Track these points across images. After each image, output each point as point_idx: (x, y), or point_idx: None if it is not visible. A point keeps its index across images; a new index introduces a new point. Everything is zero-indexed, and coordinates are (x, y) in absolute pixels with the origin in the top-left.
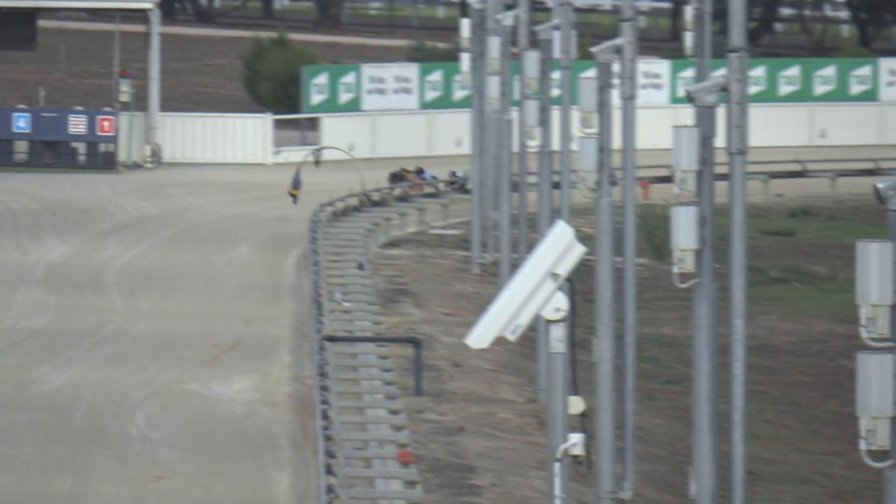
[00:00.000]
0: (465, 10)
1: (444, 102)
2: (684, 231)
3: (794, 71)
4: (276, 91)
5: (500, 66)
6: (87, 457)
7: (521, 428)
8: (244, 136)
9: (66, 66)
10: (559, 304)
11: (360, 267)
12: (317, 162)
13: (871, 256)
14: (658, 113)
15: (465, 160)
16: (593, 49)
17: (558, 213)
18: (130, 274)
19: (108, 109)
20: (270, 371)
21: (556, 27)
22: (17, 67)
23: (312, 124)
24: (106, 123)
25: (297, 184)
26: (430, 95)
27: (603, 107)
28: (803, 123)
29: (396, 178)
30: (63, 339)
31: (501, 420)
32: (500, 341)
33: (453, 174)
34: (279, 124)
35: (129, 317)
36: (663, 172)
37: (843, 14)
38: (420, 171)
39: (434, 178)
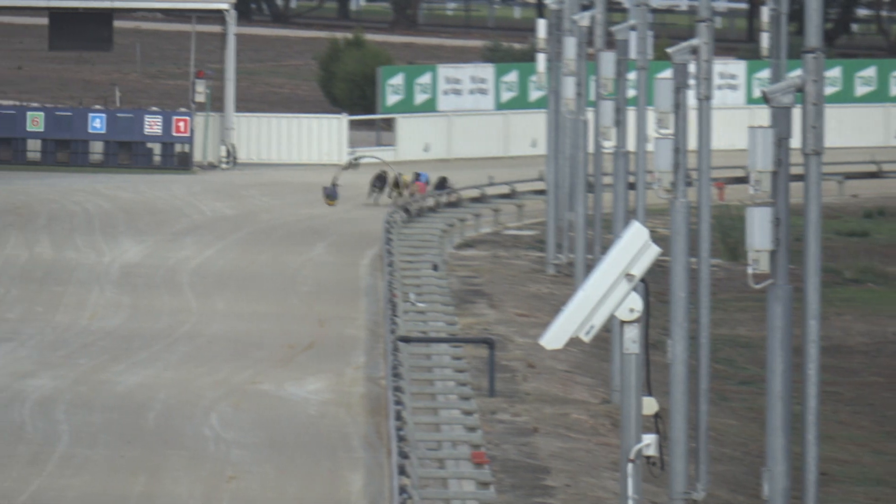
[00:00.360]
0: (541, 10)
1: (519, 103)
2: (759, 232)
3: (870, 72)
4: (351, 92)
5: (575, 67)
6: (161, 457)
7: (594, 429)
8: (319, 137)
9: (142, 66)
10: (634, 304)
11: (435, 268)
12: (355, 165)
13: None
14: (734, 114)
15: (541, 161)
16: (669, 50)
17: (633, 214)
18: (205, 274)
19: (183, 110)
20: (345, 372)
21: (633, 28)
22: (94, 68)
23: (388, 125)
24: (181, 124)
25: (332, 194)
26: (506, 96)
27: (678, 107)
28: (879, 124)
29: (380, 179)
30: (137, 340)
31: (575, 421)
32: (574, 342)
33: (417, 175)
34: (354, 125)
35: (203, 317)
36: (739, 173)
37: None
38: (418, 176)
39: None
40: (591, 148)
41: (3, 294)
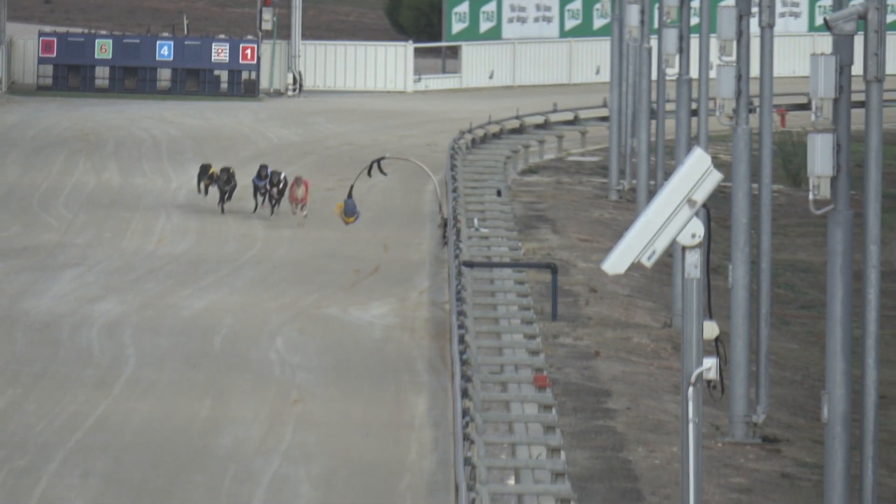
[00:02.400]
0: None
1: (583, 31)
2: (820, 158)
3: None
4: (417, 20)
5: None
6: (227, 380)
7: (655, 352)
8: (385, 65)
9: None
10: (695, 230)
11: (499, 193)
12: (382, 171)
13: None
14: (796, 41)
15: (604, 88)
16: None
17: (695, 141)
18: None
19: (250, 38)
20: (409, 296)
21: None
22: None
23: (453, 52)
24: (248, 52)
25: (350, 210)
26: (570, 24)
27: (741, 35)
28: None
29: (204, 170)
30: (203, 265)
31: (636, 345)
32: (635, 267)
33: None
34: (420, 53)
35: (269, 243)
36: (800, 100)
37: None
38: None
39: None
40: (654, 75)
41: (72, 219)
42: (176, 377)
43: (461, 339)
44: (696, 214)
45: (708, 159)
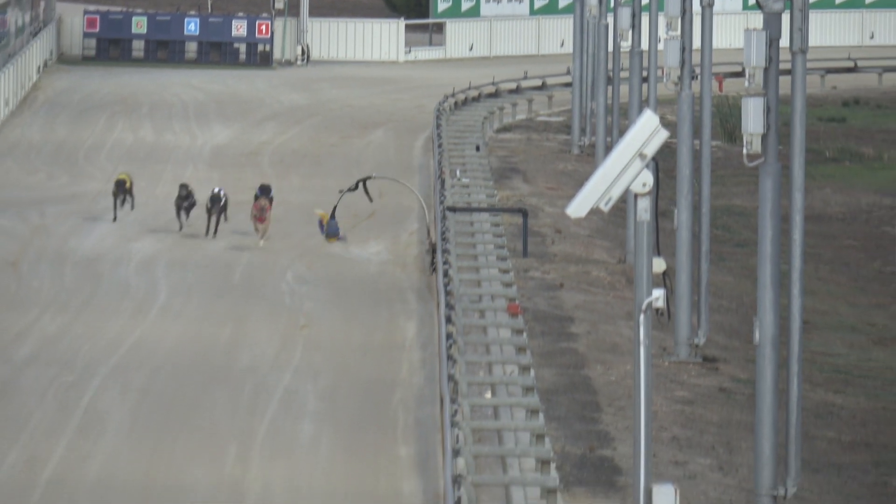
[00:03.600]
0: None
1: (550, 9)
2: (753, 118)
3: None
4: (408, 0)
5: None
6: (245, 308)
7: (611, 284)
8: (380, 38)
9: None
10: (646, 180)
11: (478, 149)
12: (368, 195)
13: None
14: (732, 18)
15: (568, 58)
16: None
17: (646, 104)
18: (283, 154)
19: (265, 15)
20: (400, 236)
21: None
22: None
23: (439, 28)
24: (263, 27)
25: (333, 231)
26: (539, 3)
27: (685, 13)
28: (856, 26)
29: (119, 186)
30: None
31: (595, 278)
32: (594, 211)
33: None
34: (410, 28)
35: (281, 191)
36: (736, 69)
37: None
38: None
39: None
40: (610, 48)
41: (112, 170)
42: (201, 306)
43: (445, 273)
44: (647, 166)
45: (656, 119)
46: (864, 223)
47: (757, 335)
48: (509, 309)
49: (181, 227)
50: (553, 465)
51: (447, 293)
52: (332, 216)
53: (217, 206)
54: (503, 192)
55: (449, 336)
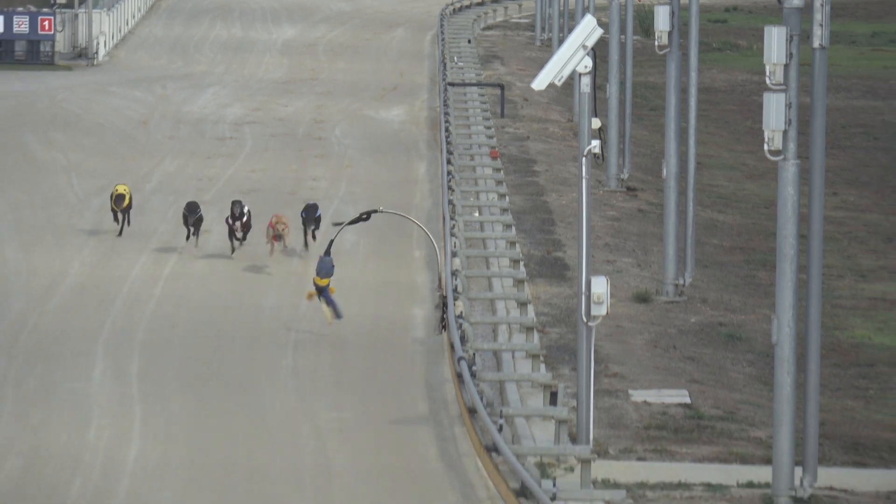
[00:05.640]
0: None
1: None
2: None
3: None
4: None
5: None
6: (306, 154)
7: (563, 137)
8: None
9: None
10: (587, 63)
11: (469, 42)
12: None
13: (772, 35)
14: None
15: None
16: None
17: (587, 10)
18: (332, 46)
19: None
20: (415, 103)
21: None
22: None
23: None
24: None
25: (327, 269)
26: None
27: None
28: None
29: (118, 201)
30: (292, 84)
31: (552, 132)
32: (552, 85)
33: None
34: None
35: (332, 71)
36: None
37: None
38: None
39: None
40: None
41: (213, 57)
42: (276, 151)
43: (447, 129)
44: (587, 54)
45: (594, 21)
46: (739, 94)
47: (664, 171)
48: (491, 154)
49: (196, 245)
50: (522, 264)
51: (447, 143)
52: (328, 252)
53: (241, 221)
54: (487, 72)
55: (449, 173)
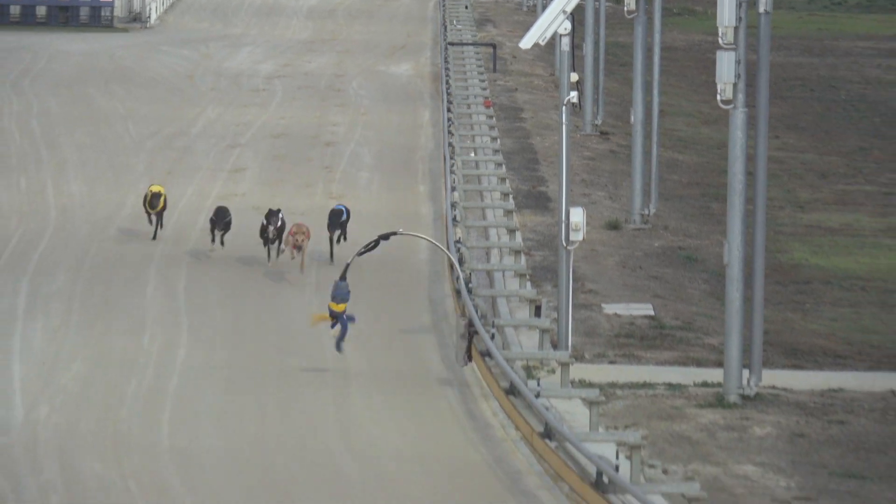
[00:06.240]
0: None
1: None
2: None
3: None
4: None
5: None
6: (327, 104)
7: (546, 88)
8: None
9: None
10: (567, 27)
11: (466, 7)
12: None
13: (724, 2)
14: None
15: None
16: None
17: None
18: (350, 11)
19: None
20: (420, 60)
21: None
22: None
23: None
24: None
25: (342, 295)
26: None
27: None
28: None
29: (155, 198)
30: (315, 45)
31: (536, 84)
32: (536, 45)
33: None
34: None
35: (349, 33)
36: None
37: None
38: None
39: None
40: None
41: (248, 21)
42: (302, 101)
43: (447, 82)
44: (567, 18)
45: None
46: (696, 52)
47: (632, 118)
48: (485, 104)
49: (222, 245)
50: (511, 197)
51: (447, 94)
52: (343, 277)
53: (276, 226)
54: (481, 34)
55: (448, 119)
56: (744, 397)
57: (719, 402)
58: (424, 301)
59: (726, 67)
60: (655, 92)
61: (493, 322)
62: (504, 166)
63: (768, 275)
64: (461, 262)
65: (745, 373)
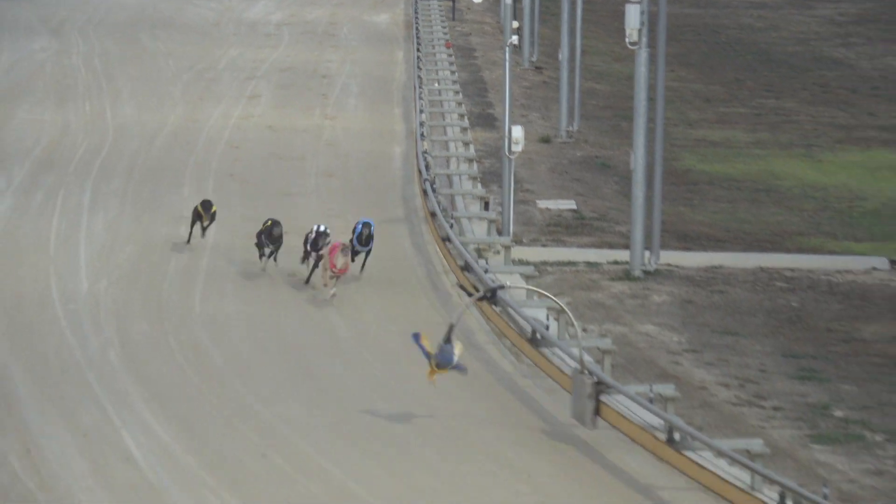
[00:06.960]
0: None
1: None
2: (633, 17)
3: None
4: None
5: None
6: (323, 46)
7: (493, 34)
8: None
9: None
10: None
11: None
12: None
13: None
14: None
15: None
16: None
17: None
18: None
19: None
20: (396, 10)
21: None
22: None
23: None
24: None
25: (446, 359)
26: None
27: None
28: None
29: (206, 207)
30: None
31: (486, 30)
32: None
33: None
34: None
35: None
36: None
37: None
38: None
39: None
40: None
41: None
42: (304, 44)
43: (416, 28)
44: None
45: None
46: (611, 5)
47: (560, 56)
48: (446, 45)
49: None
50: (465, 117)
51: (417, 38)
52: (448, 339)
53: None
54: None
55: (418, 57)
56: (646, 272)
57: (627, 276)
58: (398, 198)
59: (633, 16)
60: (578, 35)
61: (452, 214)
62: (461, 94)
63: (665, 178)
64: (427, 168)
65: (647, 253)
